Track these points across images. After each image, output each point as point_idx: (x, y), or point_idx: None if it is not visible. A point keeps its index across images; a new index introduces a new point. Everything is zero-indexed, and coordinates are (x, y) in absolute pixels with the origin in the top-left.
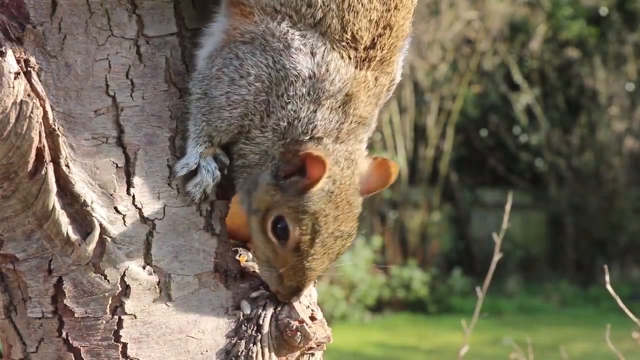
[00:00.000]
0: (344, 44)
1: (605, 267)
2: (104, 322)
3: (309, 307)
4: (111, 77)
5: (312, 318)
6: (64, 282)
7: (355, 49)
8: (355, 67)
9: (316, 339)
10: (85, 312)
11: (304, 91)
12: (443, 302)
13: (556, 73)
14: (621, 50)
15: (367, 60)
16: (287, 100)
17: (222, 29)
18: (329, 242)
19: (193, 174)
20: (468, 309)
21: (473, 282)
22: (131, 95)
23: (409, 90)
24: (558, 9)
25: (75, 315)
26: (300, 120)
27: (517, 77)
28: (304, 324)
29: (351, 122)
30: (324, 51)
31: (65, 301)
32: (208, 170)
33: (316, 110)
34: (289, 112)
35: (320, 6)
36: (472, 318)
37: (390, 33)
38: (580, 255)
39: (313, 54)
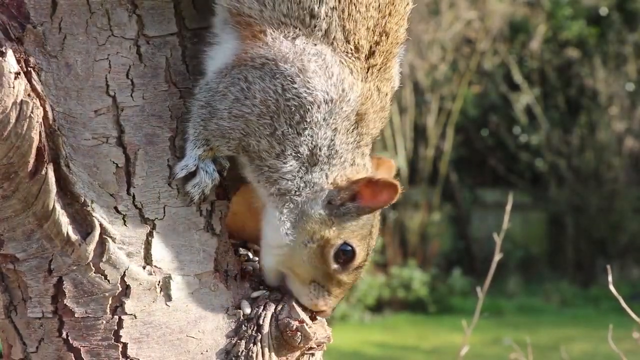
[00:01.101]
0: (349, 55)
1: (608, 267)
2: (104, 322)
3: None
4: (111, 77)
5: (312, 318)
6: (64, 282)
7: (359, 59)
8: (362, 81)
9: (316, 339)
10: (86, 312)
11: (320, 117)
12: (443, 302)
13: (556, 73)
14: (621, 50)
15: (369, 70)
16: (305, 127)
17: (232, 51)
18: (371, 253)
19: (192, 175)
20: (468, 309)
21: (473, 282)
22: (131, 95)
23: (409, 90)
24: (558, 9)
25: (76, 315)
26: (321, 148)
27: (517, 77)
28: (304, 324)
29: (363, 141)
30: (338, 69)
31: (65, 301)
32: (207, 172)
33: (334, 136)
34: (307, 137)
35: (324, 17)
36: (472, 318)
37: (387, 40)
38: (580, 255)
39: (330, 75)
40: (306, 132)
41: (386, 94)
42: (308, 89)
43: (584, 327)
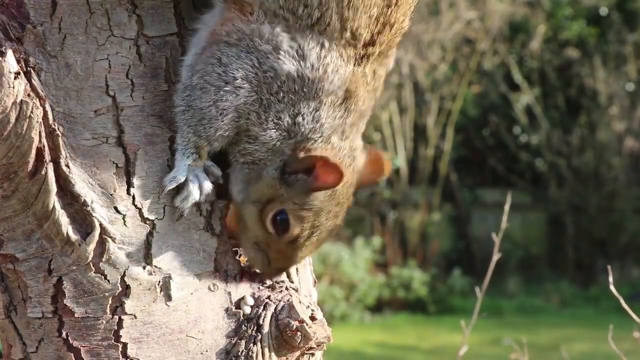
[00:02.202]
0: (343, 42)
1: (609, 267)
2: (104, 322)
3: (309, 307)
4: (111, 77)
5: (312, 318)
6: (64, 282)
7: (355, 47)
8: (354, 65)
9: (316, 339)
10: (85, 312)
11: (297, 88)
12: (443, 302)
13: (556, 73)
14: (621, 50)
15: (366, 56)
16: (282, 95)
17: (211, 25)
18: (324, 235)
19: (182, 186)
20: (468, 309)
21: (473, 282)
22: (131, 95)
23: (409, 90)
24: (558, 9)
25: (75, 315)
26: (304, 117)
27: (517, 77)
28: (304, 324)
29: (353, 117)
30: (320, 52)
31: (65, 301)
32: (195, 183)
33: (319, 108)
34: (287, 105)
35: (317, 6)
36: (472, 318)
37: (390, 30)
38: (580, 255)
39: (304, 57)
40: (285, 100)
41: (381, 76)
42: (280, 66)
43: (584, 327)
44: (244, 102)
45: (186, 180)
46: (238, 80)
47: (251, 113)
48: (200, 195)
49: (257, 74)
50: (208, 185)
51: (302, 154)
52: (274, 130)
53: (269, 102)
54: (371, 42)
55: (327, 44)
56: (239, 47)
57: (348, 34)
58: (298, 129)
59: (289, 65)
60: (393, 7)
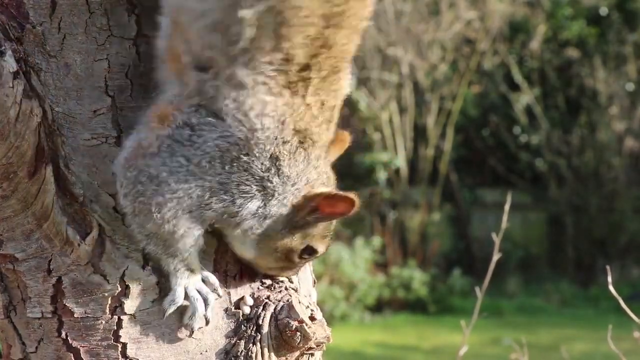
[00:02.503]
0: (273, 67)
1: (608, 268)
2: (104, 322)
3: (308, 307)
4: (111, 77)
5: (312, 318)
6: (63, 282)
7: (286, 73)
8: (290, 96)
9: (316, 339)
10: (85, 312)
11: (241, 154)
12: (443, 302)
13: (556, 73)
14: (621, 50)
15: (303, 83)
16: (230, 168)
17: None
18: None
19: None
20: (468, 309)
21: (473, 282)
22: (131, 95)
23: (409, 90)
24: (558, 9)
25: (75, 315)
26: (270, 179)
27: (517, 77)
28: (304, 324)
29: (316, 152)
30: (243, 99)
31: (64, 301)
32: (197, 299)
33: (278, 163)
34: (242, 173)
35: (250, 25)
36: (472, 318)
37: (328, 52)
38: (580, 255)
39: (224, 117)
40: (236, 169)
41: (333, 107)
42: (204, 144)
43: (584, 327)
44: (191, 202)
45: (188, 298)
46: (172, 185)
47: (210, 203)
48: (207, 308)
49: (189, 168)
50: (212, 297)
51: (301, 202)
52: (249, 201)
53: (222, 182)
54: (306, 67)
55: (249, 82)
56: (160, 155)
57: (279, 56)
58: (272, 185)
59: (211, 136)
60: (331, 28)
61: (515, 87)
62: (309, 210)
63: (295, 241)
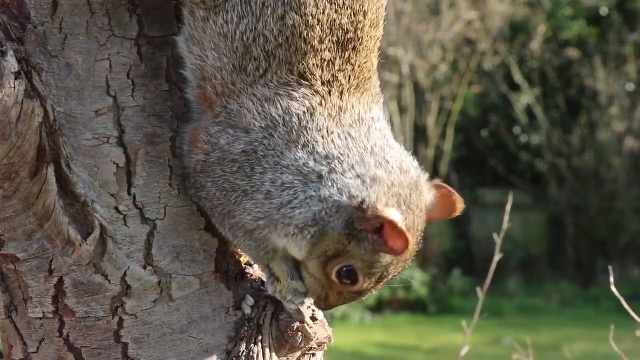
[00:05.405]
0: (294, 78)
1: (610, 268)
2: (105, 322)
3: (309, 307)
4: (112, 77)
5: (313, 318)
6: (64, 282)
7: (311, 86)
8: (320, 104)
9: (317, 339)
10: (86, 312)
11: (273, 143)
12: (443, 302)
13: (556, 73)
14: (621, 50)
15: (339, 90)
16: (259, 166)
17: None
18: (390, 279)
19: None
20: (468, 309)
21: (473, 282)
22: (132, 95)
23: (409, 90)
24: (558, 9)
25: (76, 315)
26: (306, 164)
27: (517, 77)
28: (305, 324)
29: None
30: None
31: (65, 301)
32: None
33: (314, 146)
34: (277, 170)
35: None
36: (472, 318)
37: (353, 69)
38: (580, 255)
39: (249, 130)
40: (270, 159)
41: (378, 119)
42: (229, 149)
43: (584, 327)
44: (240, 217)
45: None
46: (251, 216)
47: (260, 217)
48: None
49: (225, 190)
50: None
51: (369, 213)
52: (288, 195)
53: (253, 190)
54: (332, 80)
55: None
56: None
57: (297, 71)
58: (314, 173)
59: (236, 145)
60: (351, 51)
61: (515, 87)
62: (373, 227)
63: (342, 248)
